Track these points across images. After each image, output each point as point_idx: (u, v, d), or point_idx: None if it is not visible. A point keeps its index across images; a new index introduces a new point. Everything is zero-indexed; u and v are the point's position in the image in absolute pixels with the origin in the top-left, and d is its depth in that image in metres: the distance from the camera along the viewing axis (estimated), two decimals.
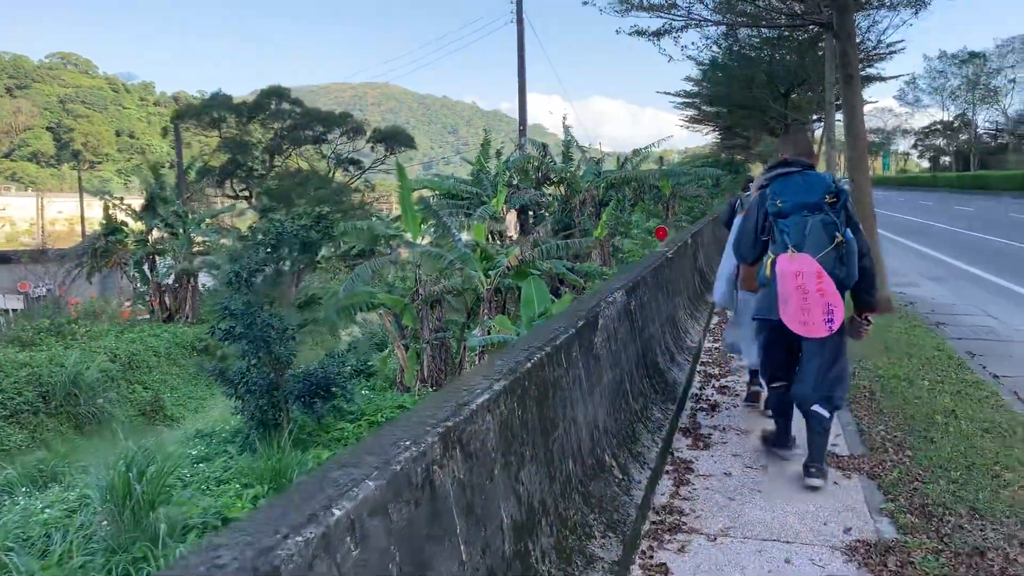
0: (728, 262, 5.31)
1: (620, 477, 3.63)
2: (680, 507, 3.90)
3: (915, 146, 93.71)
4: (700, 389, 6.26)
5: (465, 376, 2.49)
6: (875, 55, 28.41)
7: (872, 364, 6.76)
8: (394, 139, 38.50)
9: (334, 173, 39.17)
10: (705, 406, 5.76)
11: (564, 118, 26.62)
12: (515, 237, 25.36)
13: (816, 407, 4.27)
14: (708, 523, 3.74)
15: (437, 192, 25.87)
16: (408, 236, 16.38)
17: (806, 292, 4.09)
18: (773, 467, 4.52)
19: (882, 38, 25.98)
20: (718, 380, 6.55)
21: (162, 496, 8.61)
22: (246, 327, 11.74)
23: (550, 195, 28.80)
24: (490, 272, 13.52)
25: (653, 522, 3.70)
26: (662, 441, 4.41)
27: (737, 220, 5.37)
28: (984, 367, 7.25)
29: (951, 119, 74.82)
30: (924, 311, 10.45)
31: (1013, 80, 62.35)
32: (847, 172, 9.41)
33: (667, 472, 4.35)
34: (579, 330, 3.59)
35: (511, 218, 28.66)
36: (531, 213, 29.02)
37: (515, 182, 27.62)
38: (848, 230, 4.20)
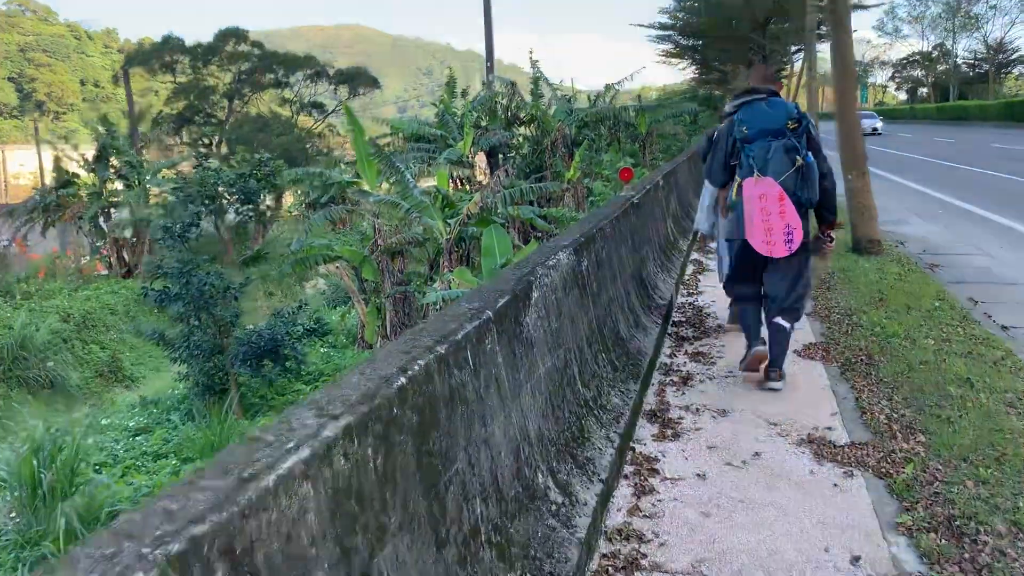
0: (707, 192, 5.22)
1: (559, 502, 2.75)
2: (640, 530, 3.03)
3: (892, 78, 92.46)
4: (670, 357, 5.38)
5: (284, 416, 1.44)
6: None
7: (867, 319, 5.91)
8: (357, 80, 36.82)
9: (297, 118, 37.57)
10: (675, 379, 4.88)
11: (531, 52, 25.28)
12: (485, 181, 24.27)
13: (778, 319, 4.64)
14: (675, 554, 2.88)
15: (402, 135, 24.66)
16: (365, 184, 15.31)
17: (768, 214, 4.35)
18: (757, 462, 3.67)
19: None
20: (692, 344, 5.67)
21: (78, 482, 7.75)
22: (182, 287, 10.74)
23: (521, 136, 27.64)
24: (450, 221, 12.56)
25: (604, 556, 2.84)
26: (619, 436, 3.53)
27: None
28: (990, 316, 6.43)
29: (930, 49, 73.59)
30: (916, 251, 9.62)
31: (995, 6, 61.07)
32: (835, 102, 8.46)
33: (626, 477, 3.48)
34: (499, 312, 2.66)
35: (480, 161, 27.52)
36: (501, 156, 27.88)
37: (483, 123, 26.42)
38: (810, 153, 4.44)
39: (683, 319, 6.35)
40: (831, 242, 4.82)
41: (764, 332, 4.77)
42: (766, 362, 4.67)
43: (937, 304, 6.39)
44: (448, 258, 12.51)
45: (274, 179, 18.71)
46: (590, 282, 4.22)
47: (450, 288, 10.94)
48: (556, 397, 3.16)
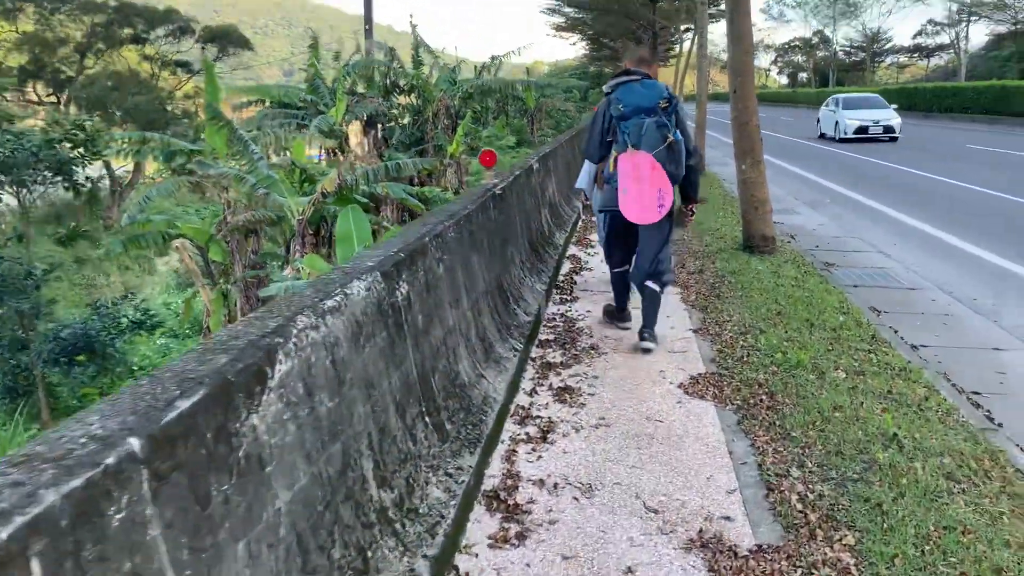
0: (587, 165, 5.70)
1: None
2: None
3: (775, 62, 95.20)
4: (531, 395, 4.25)
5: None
6: None
7: (766, 341, 4.96)
8: (226, 39, 34.00)
9: (158, 77, 34.49)
10: (533, 432, 3.75)
11: (411, 16, 23.65)
12: (360, 153, 22.68)
13: (649, 283, 5.05)
14: None
15: (268, 101, 22.68)
16: (215, 153, 13.54)
17: (641, 181, 4.69)
18: None
19: None
20: (559, 374, 4.56)
21: None
22: None
23: (401, 106, 26.05)
24: (305, 198, 11.09)
25: None
26: (433, 559, 2.36)
27: None
28: (898, 333, 5.64)
29: (811, 35, 75.79)
30: (808, 246, 8.91)
31: None
32: (728, 77, 7.51)
33: None
34: (160, 437, 1.41)
35: (356, 132, 25.78)
36: (380, 126, 26.23)
37: (360, 90, 24.69)
38: (678, 132, 4.79)
39: (552, 337, 5.23)
40: (692, 215, 5.39)
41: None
42: (650, 348, 4.98)
43: (842, 320, 5.53)
44: (301, 241, 11.04)
45: (94, 145, 16.43)
46: (411, 317, 3.02)
47: (299, 276, 9.55)
48: (309, 539, 1.93)
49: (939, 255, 8.62)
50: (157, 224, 12.95)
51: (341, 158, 21.49)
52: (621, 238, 5.23)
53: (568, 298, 6.23)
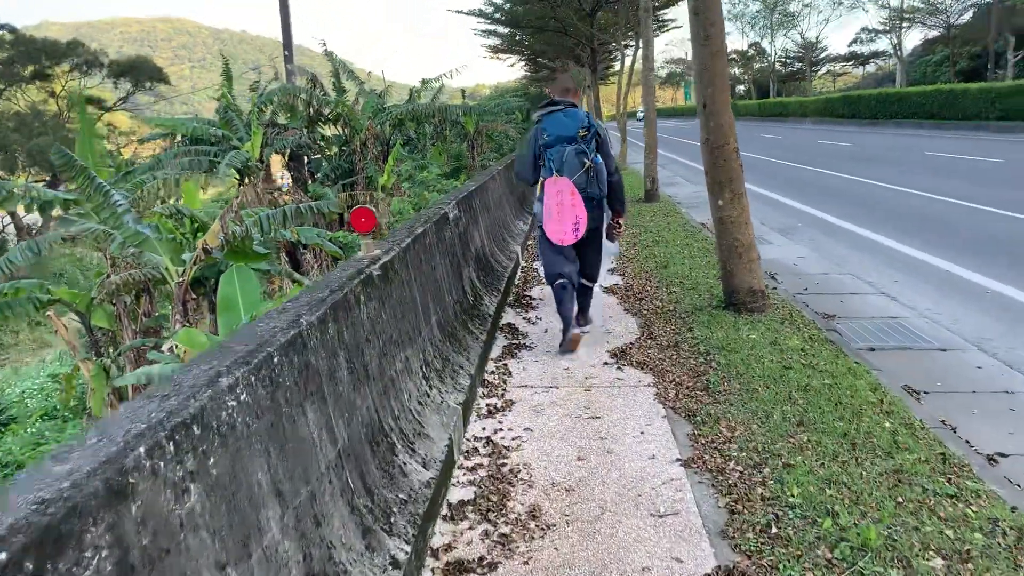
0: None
1: None
2: None
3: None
4: None
5: None
6: None
7: (797, 486, 3.22)
8: (139, 72, 31.62)
9: (68, 114, 31.96)
10: None
11: (323, 43, 21.78)
12: (285, 189, 20.70)
13: (584, 280, 5.70)
14: None
15: (179, 136, 20.58)
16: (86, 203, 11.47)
17: (563, 208, 5.22)
18: None
19: None
20: None
21: None
22: None
23: (329, 136, 24.14)
24: (186, 257, 9.17)
25: None
26: None
27: None
28: (957, 432, 4.00)
29: (746, 47, 75.88)
30: (796, 289, 7.29)
31: (809, 4, 63.35)
32: (695, 88, 5.82)
33: None
34: None
35: (277, 166, 23.77)
36: (306, 159, 24.27)
37: (281, 121, 22.75)
38: (598, 156, 5.31)
39: (468, 496, 3.38)
40: (620, 228, 5.71)
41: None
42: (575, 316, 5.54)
43: (889, 426, 3.83)
44: (182, 309, 9.08)
45: None
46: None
47: (173, 357, 7.61)
48: None
49: (951, 292, 7.06)
50: (27, 288, 10.82)
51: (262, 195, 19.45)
52: (558, 252, 5.46)
53: (500, 403, 4.42)
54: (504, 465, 3.61)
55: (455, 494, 3.34)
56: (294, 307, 2.70)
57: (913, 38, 58.02)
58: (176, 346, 7.83)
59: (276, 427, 2.17)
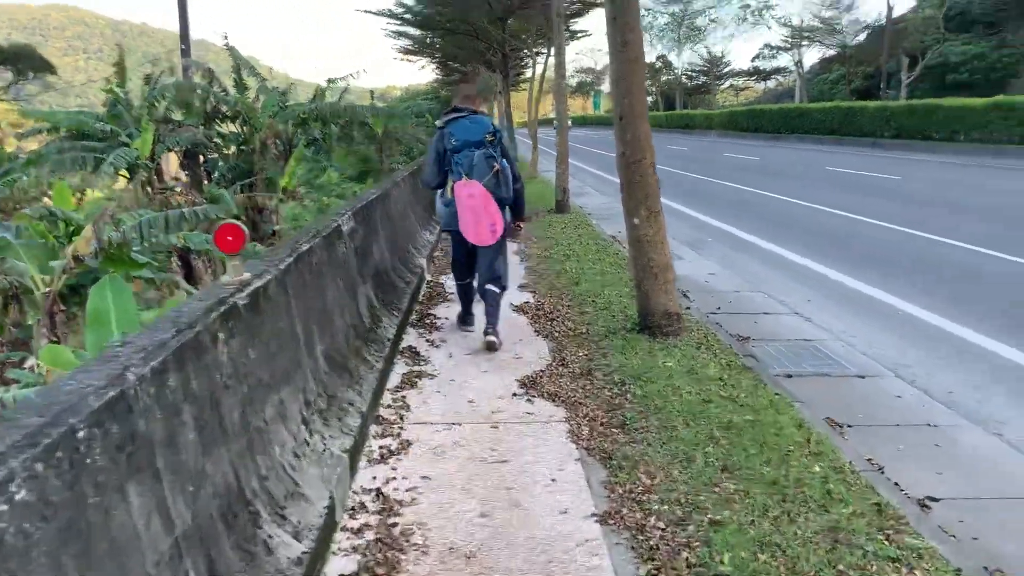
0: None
1: None
2: None
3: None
4: None
5: None
6: None
7: (727, 550, 2.85)
8: (24, 61, 29.47)
9: None
10: None
11: (225, 36, 20.72)
12: (180, 190, 19.52)
13: (489, 286, 5.75)
14: None
15: (60, 130, 19.16)
16: None
17: (477, 210, 5.38)
18: None
19: None
20: None
21: None
22: None
23: (227, 134, 22.97)
24: (55, 265, 8.28)
25: None
26: None
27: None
28: (884, 472, 3.75)
29: (654, 60, 77.36)
30: (709, 307, 7.06)
31: (715, 20, 64.99)
32: (612, 98, 5.49)
33: None
34: None
35: (171, 165, 22.49)
36: (203, 158, 23.04)
37: (177, 117, 21.49)
38: (504, 161, 5.50)
39: (349, 572, 2.85)
40: (520, 229, 6.11)
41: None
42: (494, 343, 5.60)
43: (817, 469, 3.53)
44: (49, 322, 8.19)
45: None
46: None
47: (36, 376, 6.79)
48: None
49: (863, 313, 6.97)
50: None
51: (152, 195, 18.25)
52: (464, 253, 5.85)
53: (395, 444, 3.92)
54: (395, 525, 3.11)
55: (334, 566, 2.83)
56: (124, 354, 2.15)
57: (812, 56, 60.47)
58: (39, 364, 7.01)
59: (76, 528, 1.63)
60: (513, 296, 7.35)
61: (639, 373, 4.80)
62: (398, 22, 29.43)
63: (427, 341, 5.81)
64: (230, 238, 3.12)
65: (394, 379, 4.89)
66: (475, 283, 6.01)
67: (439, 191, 5.94)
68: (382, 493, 3.40)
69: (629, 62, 5.17)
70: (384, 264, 6.39)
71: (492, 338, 5.59)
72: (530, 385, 4.77)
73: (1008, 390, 5.02)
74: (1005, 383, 5.14)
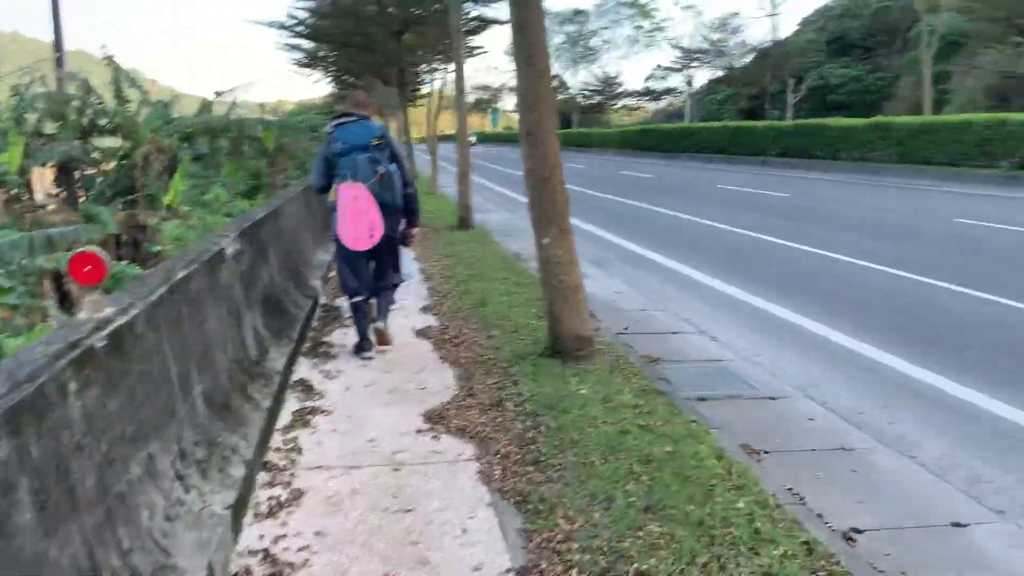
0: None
1: None
2: None
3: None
4: None
5: None
6: None
7: None
8: None
9: None
10: None
11: (103, 46, 19.49)
12: (52, 207, 18.17)
13: (386, 288, 5.92)
14: None
15: None
16: None
17: (359, 212, 5.37)
18: None
19: None
20: None
21: None
22: None
23: (106, 148, 21.62)
24: None
25: None
26: None
27: None
28: (805, 502, 3.62)
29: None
30: (618, 329, 6.90)
31: (608, 41, 66.42)
32: (519, 113, 5.24)
33: None
34: None
35: (44, 180, 20.98)
36: (80, 173, 21.59)
37: (49, 130, 20.07)
38: (392, 165, 5.58)
39: None
40: (414, 236, 6.08)
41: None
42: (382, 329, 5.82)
43: (742, 505, 3.34)
44: None
45: None
46: None
47: None
48: None
49: (767, 331, 6.97)
50: None
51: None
52: (353, 264, 5.67)
53: (285, 495, 3.50)
54: None
55: None
56: None
57: (700, 77, 62.60)
58: None
59: None
60: (415, 319, 7.00)
61: (552, 403, 4.53)
62: (290, 34, 28.53)
63: (321, 372, 5.38)
64: (88, 268, 2.66)
65: (284, 417, 4.46)
66: (370, 300, 5.90)
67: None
68: (270, 555, 2.99)
69: (536, 76, 4.94)
70: (274, 288, 5.93)
71: (381, 323, 5.81)
72: (436, 419, 4.43)
73: (913, 406, 5.03)
74: (908, 399, 5.15)
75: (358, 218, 5.36)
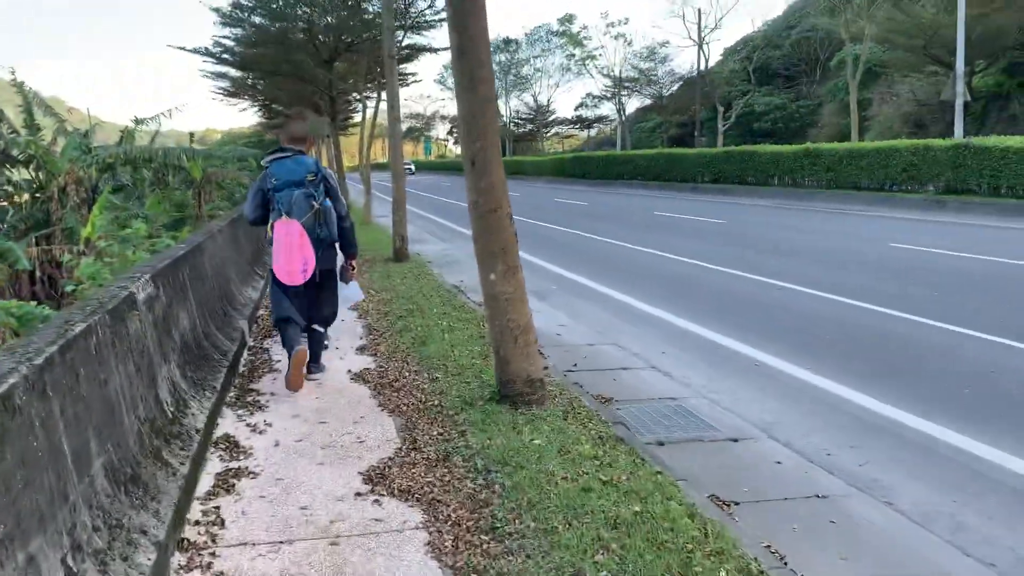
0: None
1: None
2: None
3: (450, 132, 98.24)
4: None
5: None
6: (423, 22, 25.33)
7: None
8: None
9: None
10: None
11: (12, 70, 18.58)
12: None
13: (315, 326, 5.96)
14: None
15: None
16: None
17: (292, 248, 5.43)
18: None
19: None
20: None
21: None
22: None
23: (18, 180, 20.51)
24: None
25: None
26: None
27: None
28: (787, 564, 3.30)
29: None
30: (567, 366, 6.57)
31: (539, 69, 67.01)
32: (461, 142, 4.89)
33: None
34: None
35: None
36: None
37: None
38: (328, 200, 5.67)
39: None
40: (353, 269, 6.15)
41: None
42: (306, 361, 5.64)
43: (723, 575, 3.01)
44: None
45: None
46: None
47: None
48: None
49: (720, 364, 6.74)
50: None
51: None
52: (288, 296, 5.67)
53: None
54: None
55: None
56: None
57: (630, 105, 63.76)
58: None
59: None
60: (351, 361, 6.54)
61: (505, 457, 4.14)
62: (214, 60, 27.69)
63: (248, 426, 4.87)
64: None
65: (205, 483, 3.95)
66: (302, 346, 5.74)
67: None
68: None
69: (480, 102, 4.60)
70: (195, 333, 5.40)
71: (316, 375, 5.92)
72: (377, 479, 3.99)
73: (879, 446, 4.80)
74: (873, 437, 4.94)
75: (291, 253, 5.42)
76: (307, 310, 5.83)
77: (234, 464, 4.22)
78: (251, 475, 4.09)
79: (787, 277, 10.61)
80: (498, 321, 4.90)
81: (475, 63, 4.56)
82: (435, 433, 4.64)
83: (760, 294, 9.73)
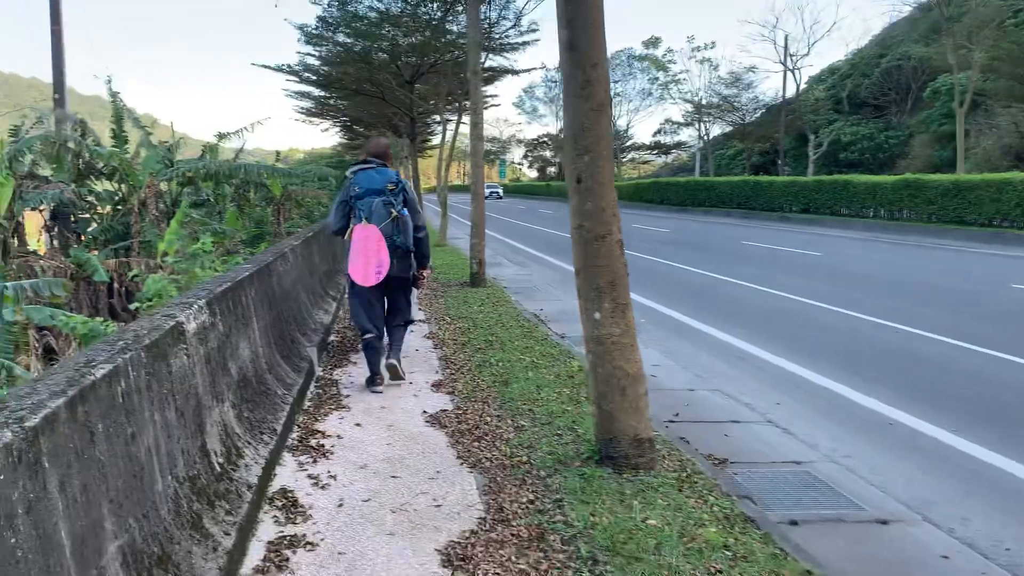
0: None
1: None
2: None
3: (526, 156, 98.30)
4: None
5: None
6: (506, 43, 24.95)
7: None
8: None
9: None
10: None
11: (108, 80, 18.82)
12: (45, 251, 17.25)
13: (396, 325, 6.27)
14: None
15: None
16: None
17: (368, 252, 5.77)
18: None
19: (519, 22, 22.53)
20: None
21: None
22: None
23: (100, 192, 20.74)
24: None
25: None
26: None
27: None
28: None
29: (559, 131, 78.40)
30: (667, 416, 5.75)
31: (619, 93, 66.42)
32: (565, 156, 4.17)
33: None
34: None
35: (34, 224, 20.04)
36: (72, 218, 20.68)
37: (44, 173, 19.28)
38: (405, 209, 6.00)
39: None
40: (425, 279, 6.54)
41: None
42: (395, 366, 6.12)
43: None
44: None
45: None
46: None
47: None
48: None
49: (848, 422, 5.81)
50: None
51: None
52: (365, 302, 6.04)
53: None
54: None
55: None
56: None
57: (711, 132, 62.44)
58: None
59: None
60: (425, 399, 5.86)
61: (615, 542, 3.35)
62: (297, 79, 27.86)
63: (310, 477, 4.21)
64: None
65: (255, 553, 3.29)
66: (384, 338, 6.24)
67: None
68: None
69: (592, 110, 3.88)
70: (256, 366, 4.80)
71: (392, 361, 6.12)
72: (458, 561, 3.26)
73: None
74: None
75: (368, 256, 5.78)
76: (383, 318, 6.19)
77: (290, 530, 3.54)
78: (309, 546, 3.40)
79: (903, 319, 9.54)
80: (602, 368, 4.13)
81: (587, 63, 3.84)
82: (525, 500, 3.89)
83: (877, 337, 8.71)
